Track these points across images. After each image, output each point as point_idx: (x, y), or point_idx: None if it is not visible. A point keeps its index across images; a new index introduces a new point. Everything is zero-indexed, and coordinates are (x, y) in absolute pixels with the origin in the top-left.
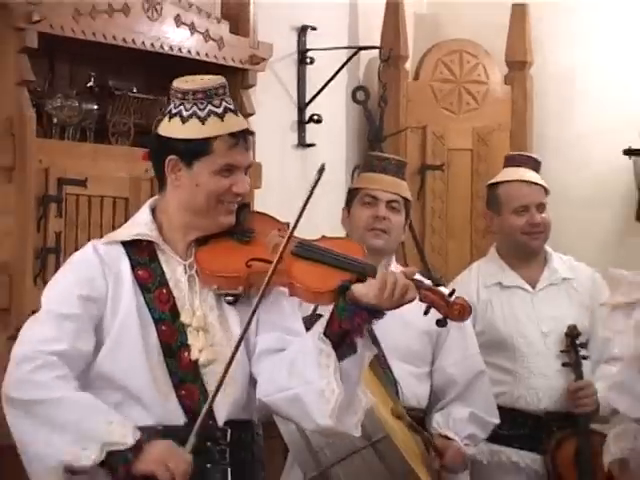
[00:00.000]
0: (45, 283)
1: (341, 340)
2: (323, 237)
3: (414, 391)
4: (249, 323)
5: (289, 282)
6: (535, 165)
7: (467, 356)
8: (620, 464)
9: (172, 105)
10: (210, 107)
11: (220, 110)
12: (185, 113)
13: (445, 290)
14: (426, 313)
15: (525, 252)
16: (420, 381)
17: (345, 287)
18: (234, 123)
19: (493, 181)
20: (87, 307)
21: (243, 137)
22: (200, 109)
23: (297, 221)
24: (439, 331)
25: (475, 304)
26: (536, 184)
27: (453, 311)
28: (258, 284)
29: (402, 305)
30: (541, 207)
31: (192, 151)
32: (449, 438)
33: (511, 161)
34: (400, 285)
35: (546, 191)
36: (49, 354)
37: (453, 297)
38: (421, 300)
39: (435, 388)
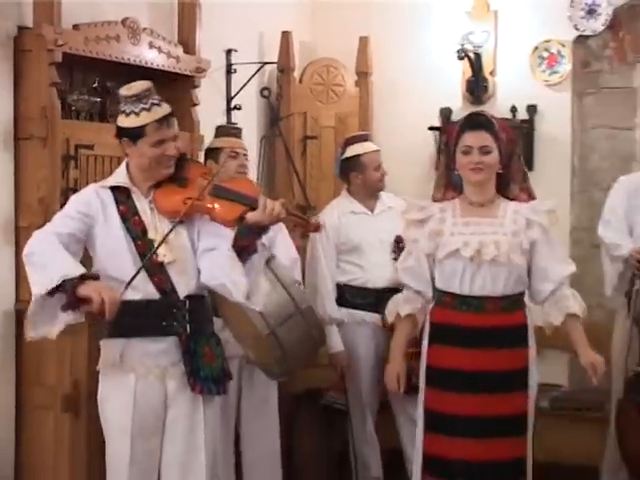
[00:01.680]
0: None
1: (243, 250)
2: (233, 179)
3: None
4: (172, 229)
5: (208, 213)
6: (370, 138)
7: (288, 250)
8: (397, 317)
9: (120, 105)
10: (141, 105)
11: (148, 105)
12: (127, 110)
13: (305, 215)
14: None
15: (376, 192)
16: None
17: (242, 217)
18: (158, 112)
19: (354, 154)
20: (83, 219)
21: (166, 119)
22: (135, 107)
23: (210, 181)
24: (272, 237)
25: (339, 225)
26: (379, 151)
27: (310, 227)
28: (192, 213)
29: (278, 221)
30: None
31: (134, 135)
32: None
33: (357, 139)
34: (276, 206)
35: None
36: (50, 233)
37: (312, 220)
38: (290, 221)
39: None
